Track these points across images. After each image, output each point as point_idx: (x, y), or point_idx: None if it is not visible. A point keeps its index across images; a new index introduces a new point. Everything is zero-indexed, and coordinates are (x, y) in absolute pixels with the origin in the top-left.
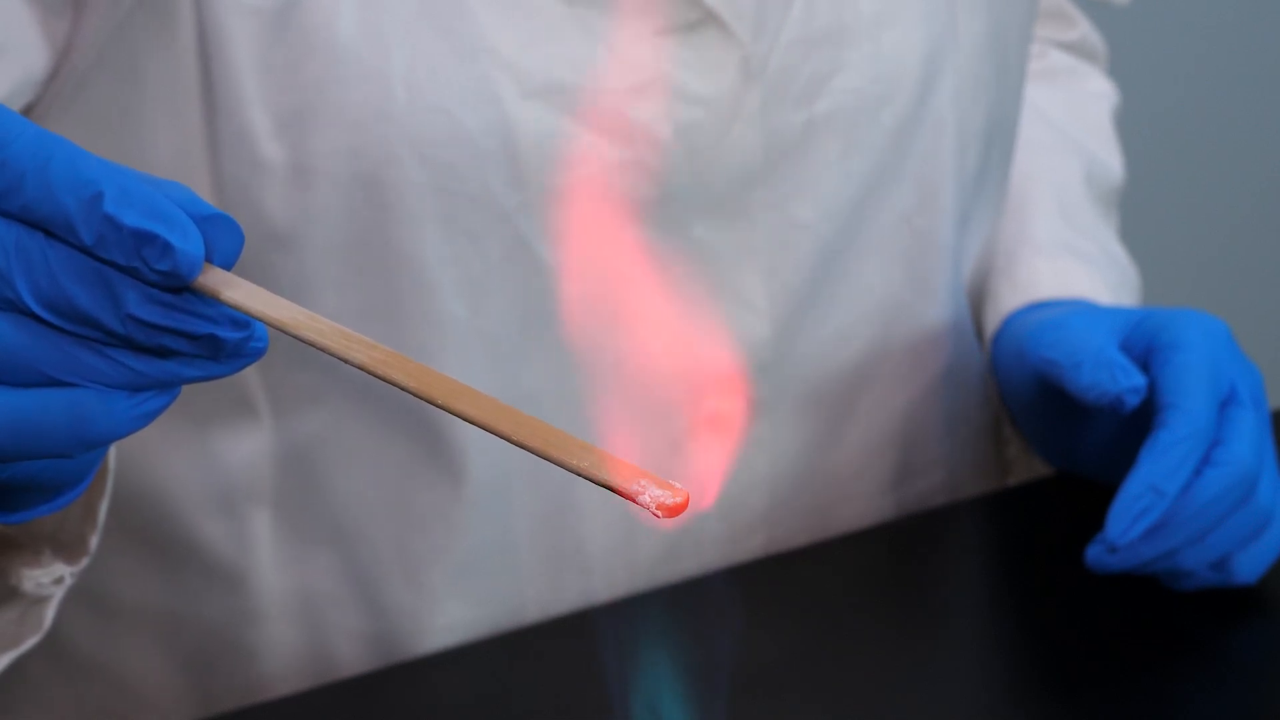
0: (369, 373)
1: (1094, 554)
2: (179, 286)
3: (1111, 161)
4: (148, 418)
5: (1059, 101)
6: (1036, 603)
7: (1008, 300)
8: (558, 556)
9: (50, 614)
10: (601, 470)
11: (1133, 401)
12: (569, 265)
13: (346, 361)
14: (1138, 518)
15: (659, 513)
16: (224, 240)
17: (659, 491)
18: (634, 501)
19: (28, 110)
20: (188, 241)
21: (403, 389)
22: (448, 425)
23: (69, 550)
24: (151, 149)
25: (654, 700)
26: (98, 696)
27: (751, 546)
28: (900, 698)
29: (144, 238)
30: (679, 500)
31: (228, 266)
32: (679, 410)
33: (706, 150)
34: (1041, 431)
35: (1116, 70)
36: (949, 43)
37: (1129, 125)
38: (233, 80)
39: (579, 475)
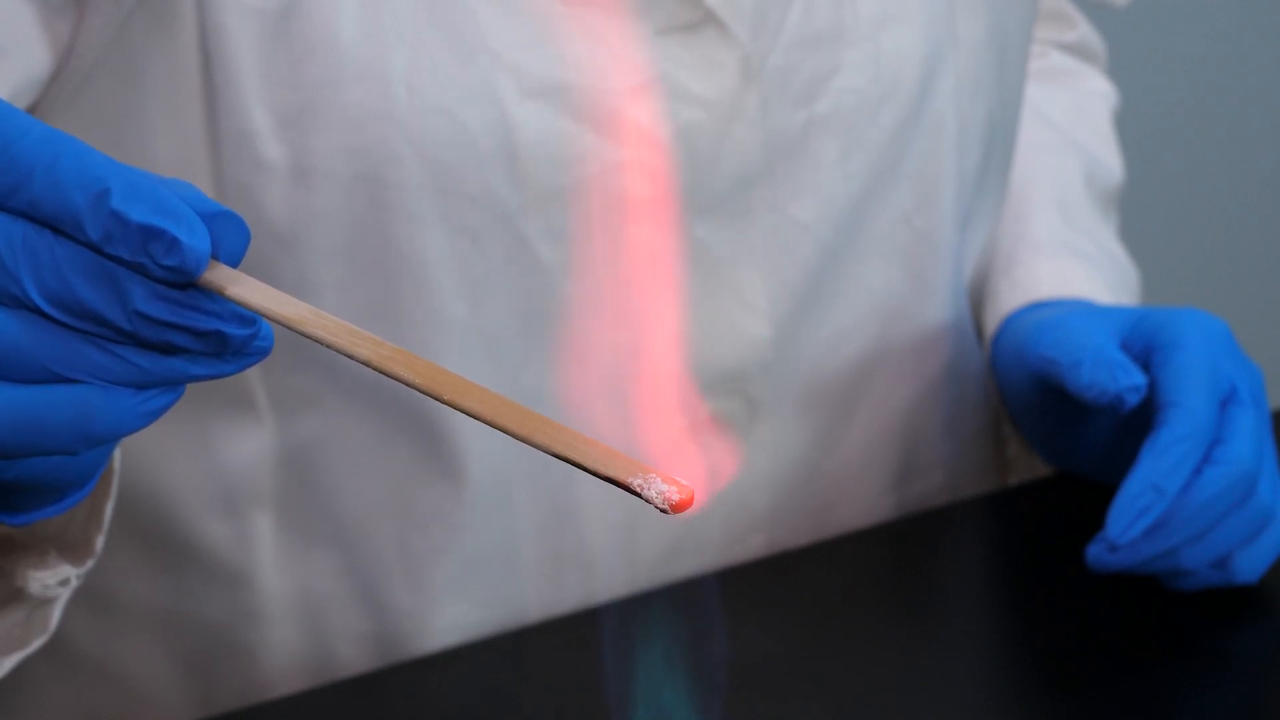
0: (375, 369)
1: (1094, 553)
2: (185, 282)
3: (1111, 162)
4: (152, 415)
5: (1059, 102)
6: (1036, 603)
7: (1007, 300)
8: (559, 557)
9: (56, 615)
10: (606, 465)
11: (1133, 400)
12: (569, 265)
13: (352, 358)
14: (1138, 516)
15: (665, 507)
16: (230, 237)
17: (664, 486)
18: (639, 496)
19: (30, 111)
20: (194, 237)
21: (409, 385)
22: (449, 426)
23: (74, 552)
24: (152, 149)
25: (655, 700)
26: (98, 696)
27: (752, 546)
28: (900, 697)
29: (151, 233)
30: (684, 495)
31: (234, 263)
32: (679, 410)
33: (706, 150)
34: (1041, 431)
35: (1116, 70)
36: (949, 43)
37: (1129, 125)
38: (234, 80)
39: (584, 470)
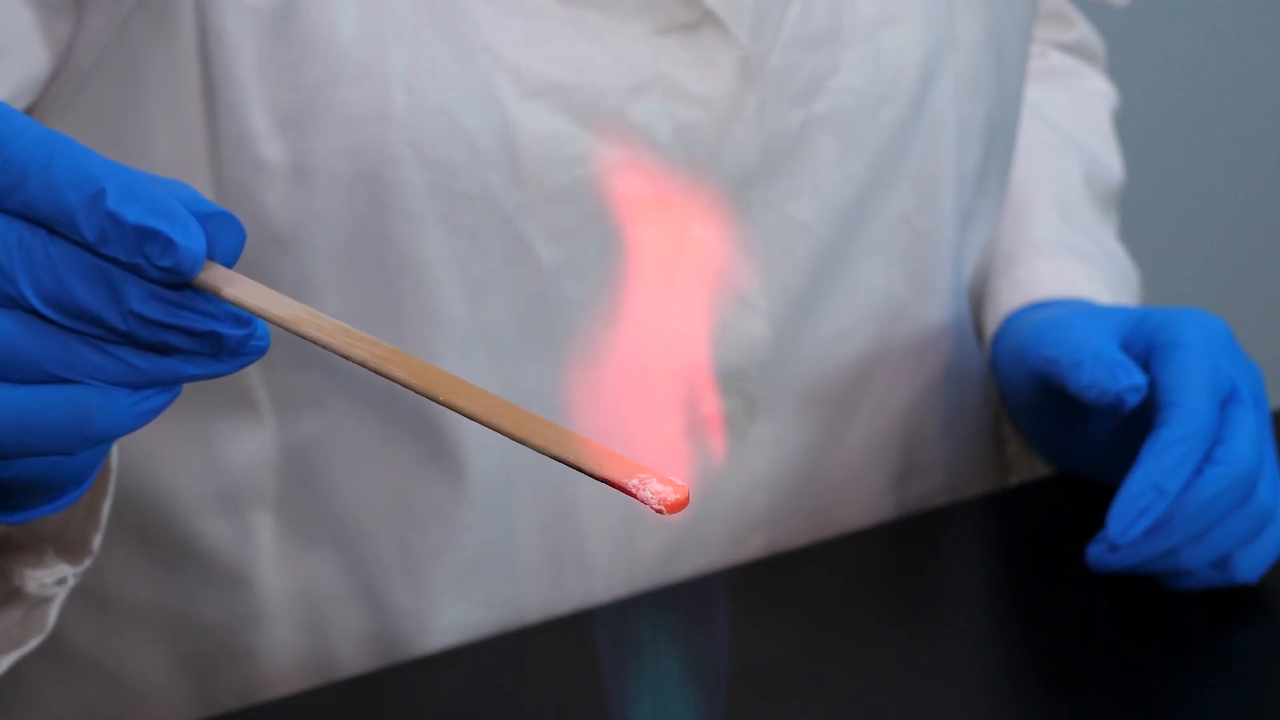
0: (370, 369)
1: (1095, 553)
2: (180, 283)
3: (1111, 162)
4: (149, 415)
5: (1059, 102)
6: (1036, 603)
7: (1007, 300)
8: (559, 557)
9: (53, 615)
10: (601, 466)
11: (1133, 400)
12: (569, 265)
13: (348, 358)
14: (1139, 516)
15: (660, 508)
16: (226, 237)
17: (660, 487)
18: (634, 497)
19: (29, 112)
20: (189, 238)
21: (404, 385)
22: (449, 426)
23: (72, 551)
24: (152, 150)
25: (654, 700)
26: (97, 696)
27: (752, 546)
28: (900, 697)
29: (146, 234)
30: (680, 496)
31: (229, 264)
32: (678, 410)
33: (705, 150)
34: (1041, 431)
35: (1116, 70)
36: (948, 43)
37: (1129, 125)
38: (233, 81)
39: (580, 471)
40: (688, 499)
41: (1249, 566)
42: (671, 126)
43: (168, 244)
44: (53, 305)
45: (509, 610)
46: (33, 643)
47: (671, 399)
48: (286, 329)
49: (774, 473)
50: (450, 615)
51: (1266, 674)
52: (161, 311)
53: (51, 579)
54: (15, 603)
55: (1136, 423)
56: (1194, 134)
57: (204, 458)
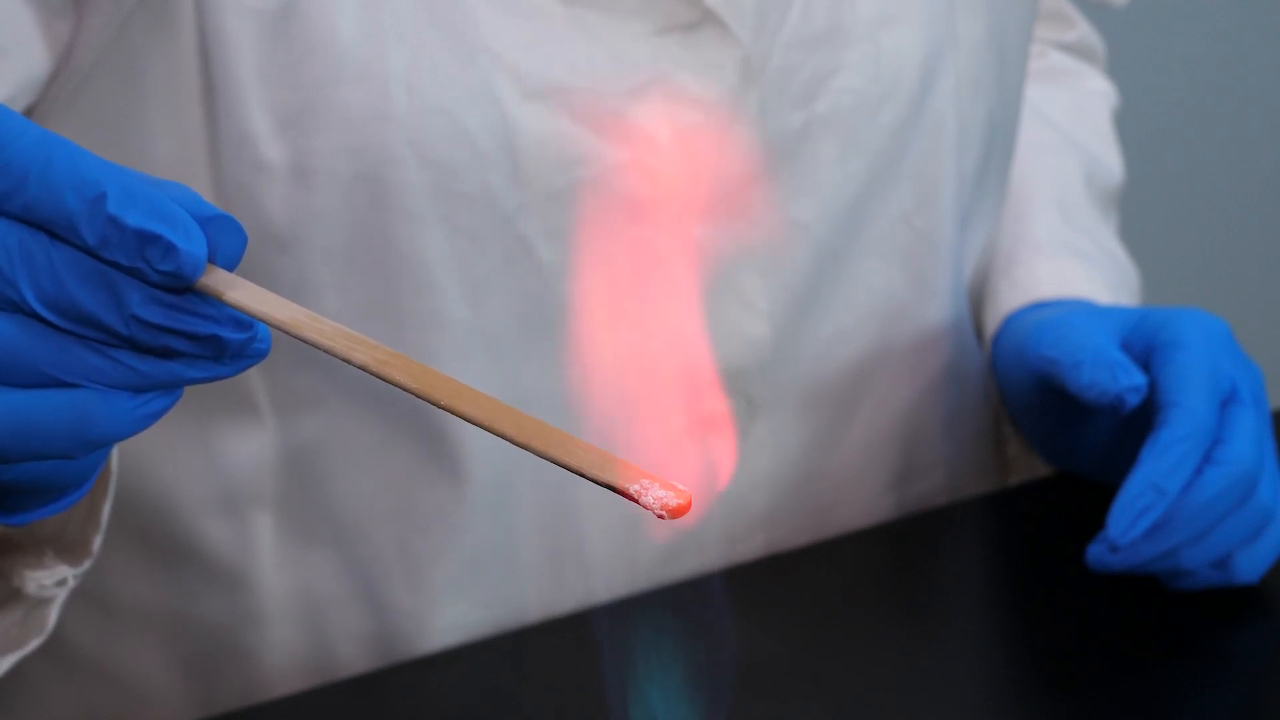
0: (371, 373)
1: (1095, 553)
2: (182, 287)
3: (1111, 161)
4: (150, 419)
5: (1059, 102)
6: (1036, 603)
7: (1007, 300)
8: (559, 557)
9: (53, 616)
10: (603, 471)
11: (1133, 400)
12: (569, 265)
13: (348, 362)
14: (1139, 516)
15: (662, 513)
16: (227, 241)
17: (662, 492)
18: (636, 502)
19: (28, 112)
20: (190, 242)
21: (404, 389)
22: (450, 426)
23: (72, 552)
24: (152, 150)
25: (654, 700)
26: (98, 697)
27: (752, 547)
28: (900, 697)
29: (147, 238)
30: (681, 501)
31: (230, 267)
32: (679, 410)
33: (706, 151)
34: (1041, 431)
35: (1116, 70)
36: (948, 43)
37: (1129, 125)
38: (233, 81)
39: (581, 476)
40: (690, 504)
41: (1249, 566)
42: (672, 127)
43: (169, 248)
44: (54, 309)
45: (509, 610)
46: (33, 644)
47: (672, 399)
48: (287, 333)
49: (774, 472)
50: (450, 615)
51: (1266, 674)
52: (163, 315)
53: (51, 580)
54: (15, 604)
55: (1136, 423)
56: (1194, 134)
57: (204, 459)
